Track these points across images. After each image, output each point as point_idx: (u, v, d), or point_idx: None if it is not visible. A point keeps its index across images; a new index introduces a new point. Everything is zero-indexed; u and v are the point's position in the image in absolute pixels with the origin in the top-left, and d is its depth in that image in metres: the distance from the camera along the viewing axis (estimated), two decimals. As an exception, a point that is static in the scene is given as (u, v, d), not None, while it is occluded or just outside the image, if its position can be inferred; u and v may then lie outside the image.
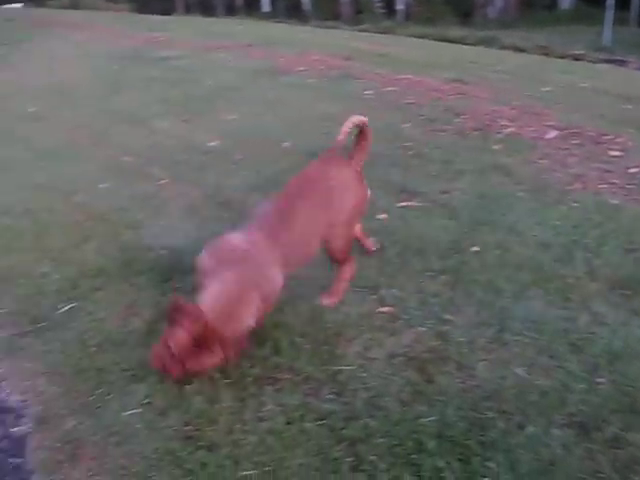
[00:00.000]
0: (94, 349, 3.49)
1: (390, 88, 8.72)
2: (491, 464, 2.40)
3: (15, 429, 3.04)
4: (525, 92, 8.49)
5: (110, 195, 5.89)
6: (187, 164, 6.54)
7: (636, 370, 2.92)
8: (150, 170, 6.47)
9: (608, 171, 5.84)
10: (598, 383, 2.87)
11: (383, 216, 4.78)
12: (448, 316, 3.43)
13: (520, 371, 2.95)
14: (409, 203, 5.05)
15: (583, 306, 3.46)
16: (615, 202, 5.04)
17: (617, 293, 3.60)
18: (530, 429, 2.57)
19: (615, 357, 3.03)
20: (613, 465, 2.40)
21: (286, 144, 6.75)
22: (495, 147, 6.44)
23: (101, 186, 6.19)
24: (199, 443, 2.73)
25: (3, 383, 3.35)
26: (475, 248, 4.18)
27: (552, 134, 6.85)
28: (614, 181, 5.58)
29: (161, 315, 3.68)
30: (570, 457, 2.44)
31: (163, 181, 6.17)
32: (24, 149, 7.54)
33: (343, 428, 2.69)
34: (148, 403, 3.03)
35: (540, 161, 6.08)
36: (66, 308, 3.95)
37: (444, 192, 5.27)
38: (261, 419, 2.82)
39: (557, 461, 2.42)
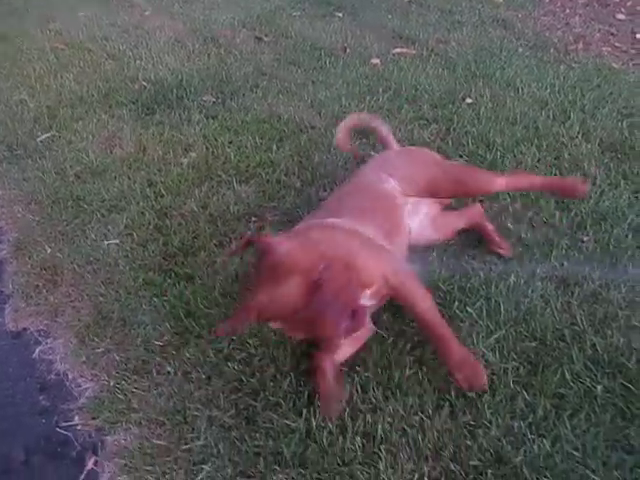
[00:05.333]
0: (73, 178, 3.42)
1: None
2: (470, 310, 2.41)
3: (-9, 253, 3.01)
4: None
5: (90, 23, 5.65)
6: (174, -4, 6.23)
7: (620, 231, 2.90)
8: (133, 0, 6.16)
9: (612, 34, 5.65)
10: (582, 241, 2.85)
11: (376, 61, 4.62)
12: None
13: (507, 223, 2.92)
14: (404, 50, 4.88)
15: (574, 165, 3.40)
16: (616, 66, 4.88)
17: (609, 156, 3.53)
18: (512, 279, 2.57)
19: (601, 217, 3.00)
20: (589, 319, 2.41)
21: (279, -19, 6.42)
22: (497, 0, 6.18)
23: (81, 14, 5.91)
24: (179, 275, 2.70)
25: (-22, 207, 3.29)
26: (469, 100, 4.07)
27: (558, -9, 6.56)
28: (617, 44, 5.40)
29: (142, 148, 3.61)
30: (548, 309, 2.44)
31: (147, 12, 5.89)
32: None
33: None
34: (128, 234, 2.99)
35: (543, 18, 5.86)
36: (44, 137, 3.84)
37: (441, 42, 5.09)
38: (245, 253, 2.78)
39: (535, 312, 2.42)
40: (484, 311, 2.42)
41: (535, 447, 1.97)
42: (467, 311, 2.40)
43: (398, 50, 4.86)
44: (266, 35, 5.27)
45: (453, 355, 2.11)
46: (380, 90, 4.17)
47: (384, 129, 3.11)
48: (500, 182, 2.70)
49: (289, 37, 5.21)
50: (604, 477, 1.89)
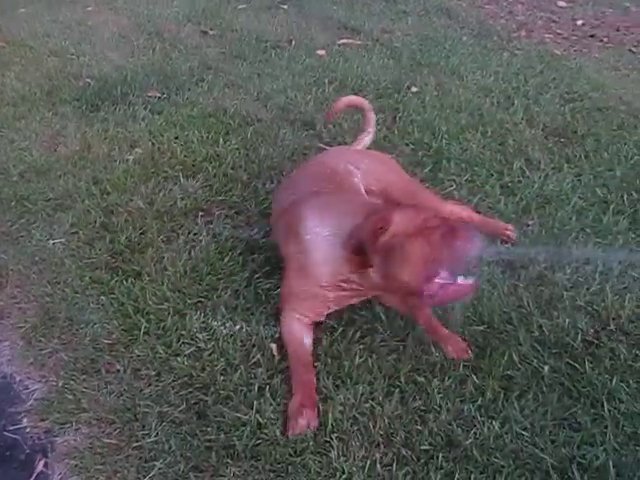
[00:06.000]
0: (17, 178, 3.35)
1: None
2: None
3: None
4: None
5: (31, 20, 5.54)
6: (117, -10, 6.14)
7: (565, 214, 2.96)
8: (76, -5, 6.06)
9: (554, 21, 5.76)
10: (527, 224, 2.90)
11: (322, 52, 4.63)
12: (384, 155, 3.39)
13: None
14: (350, 41, 4.90)
15: (518, 151, 3.45)
16: (558, 52, 4.98)
17: (553, 140, 3.60)
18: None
19: (546, 201, 3.06)
20: (536, 301, 2.45)
21: (224, -25, 6.38)
22: (441, -11, 6.25)
23: (22, 10, 5.80)
24: (127, 272, 2.67)
25: None
26: (414, 89, 4.10)
27: (500, -21, 6.65)
28: (559, 31, 5.51)
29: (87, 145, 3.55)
30: (495, 292, 2.48)
31: (90, 8, 5.80)
32: None
33: (275, 262, 2.66)
34: (74, 233, 2.94)
35: (486, 6, 5.95)
36: (-15, 136, 3.75)
37: (386, 32, 5.13)
38: (192, 249, 2.77)
39: (482, 296, 2.45)
40: (432, 299, 2.44)
41: (485, 429, 2.00)
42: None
43: (343, 41, 4.88)
44: (211, 29, 5.24)
45: (441, 330, 2.27)
46: (326, 81, 4.18)
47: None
48: (448, 208, 2.74)
49: (234, 30, 5.19)
50: (552, 455, 1.93)
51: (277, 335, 2.32)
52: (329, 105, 3.69)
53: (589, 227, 2.90)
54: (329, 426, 1.99)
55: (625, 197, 3.12)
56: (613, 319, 2.37)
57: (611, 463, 1.90)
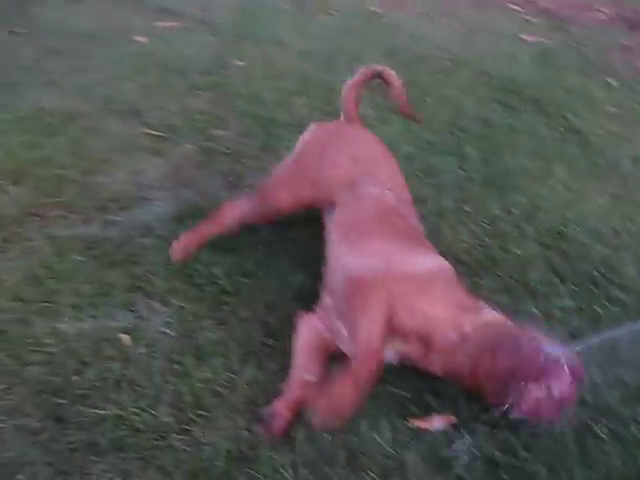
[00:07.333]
0: None
1: None
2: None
3: None
4: None
5: None
6: None
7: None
8: None
9: (370, -21, 5.89)
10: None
11: (142, 39, 4.53)
12: (215, 131, 3.38)
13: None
14: (168, 23, 4.81)
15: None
16: (375, 9, 5.12)
17: (379, 95, 3.70)
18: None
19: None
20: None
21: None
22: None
23: None
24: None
25: None
26: (239, 62, 4.11)
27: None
28: (378, -11, 5.65)
29: None
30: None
31: None
32: None
33: (115, 254, 2.63)
34: None
35: (302, -29, 5.99)
36: None
37: (204, 9, 5.08)
38: (29, 256, 2.66)
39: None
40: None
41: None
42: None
43: (162, 24, 4.78)
44: (19, 27, 4.93)
45: None
46: (149, 66, 4.10)
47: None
48: None
49: (45, 25, 4.92)
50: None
51: (129, 325, 2.31)
52: (147, 90, 3.63)
53: (420, 171, 3.04)
54: (190, 403, 2.01)
55: (451, 139, 3.28)
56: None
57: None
